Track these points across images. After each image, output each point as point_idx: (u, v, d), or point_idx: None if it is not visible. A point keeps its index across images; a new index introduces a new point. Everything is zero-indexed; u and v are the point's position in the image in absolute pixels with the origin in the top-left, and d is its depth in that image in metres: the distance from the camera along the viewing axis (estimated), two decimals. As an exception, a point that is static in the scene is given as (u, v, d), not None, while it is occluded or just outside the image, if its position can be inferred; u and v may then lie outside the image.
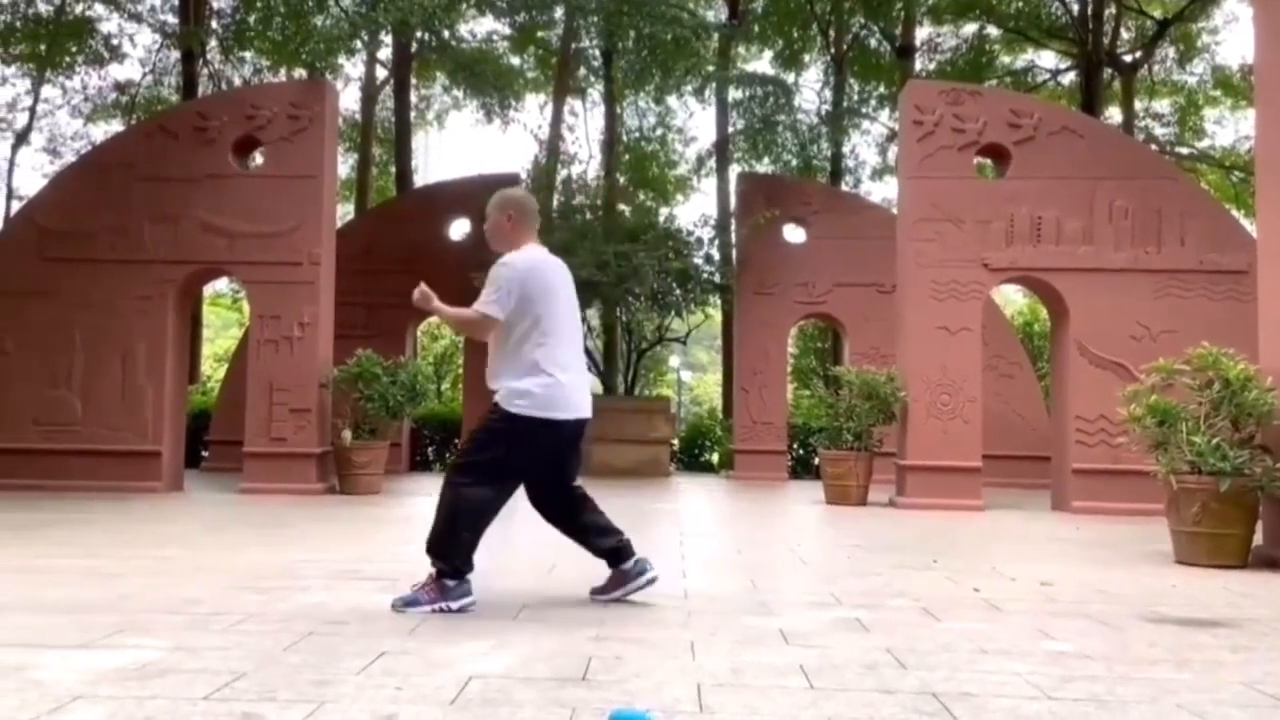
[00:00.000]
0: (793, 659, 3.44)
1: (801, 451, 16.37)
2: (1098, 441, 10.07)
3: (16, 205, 21.79)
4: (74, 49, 21.68)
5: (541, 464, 4.40)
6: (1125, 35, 23.05)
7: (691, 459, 18.24)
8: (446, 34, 18.33)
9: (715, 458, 18.10)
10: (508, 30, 22.29)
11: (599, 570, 4.60)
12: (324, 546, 6.44)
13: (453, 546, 4.24)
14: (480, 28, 23.01)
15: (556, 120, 20.81)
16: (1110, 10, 21.61)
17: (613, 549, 4.51)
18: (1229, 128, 25.19)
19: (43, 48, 21.26)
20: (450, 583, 4.21)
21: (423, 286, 4.44)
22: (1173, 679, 3.29)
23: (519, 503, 4.43)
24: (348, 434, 10.76)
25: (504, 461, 4.28)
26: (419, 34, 18.20)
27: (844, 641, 3.75)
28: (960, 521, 9.01)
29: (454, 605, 4.16)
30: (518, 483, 4.39)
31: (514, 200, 4.61)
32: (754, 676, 3.19)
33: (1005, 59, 24.52)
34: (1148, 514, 8.55)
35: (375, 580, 5.00)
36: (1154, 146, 21.57)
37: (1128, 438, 7.20)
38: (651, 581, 4.50)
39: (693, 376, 42.85)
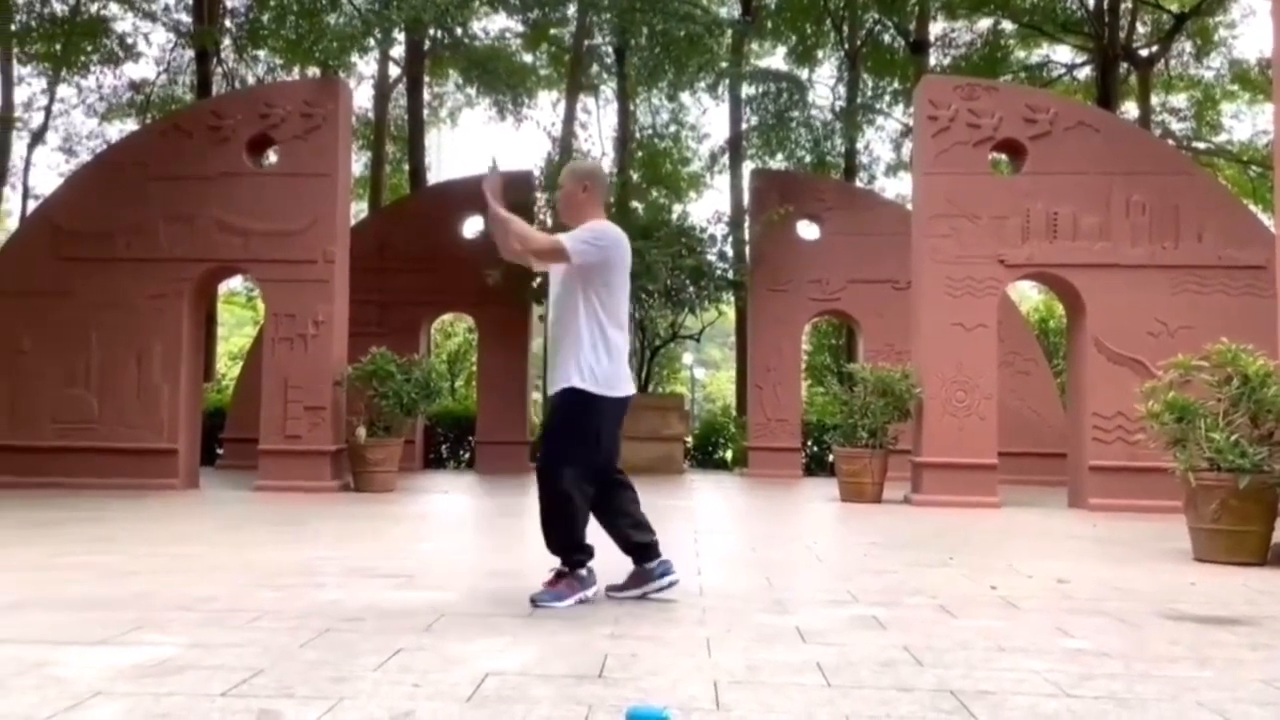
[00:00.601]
0: (809, 656, 3.42)
1: (816, 449, 16.33)
2: (1115, 438, 10.02)
3: (33, 204, 21.93)
4: (89, 48, 21.76)
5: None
6: (1141, 29, 22.89)
7: (705, 456, 18.22)
8: (459, 31, 18.37)
9: (729, 455, 18.08)
10: (520, 27, 22.28)
11: (615, 567, 4.59)
12: (339, 544, 6.46)
13: (574, 546, 4.36)
14: (493, 25, 23.03)
15: (569, 117, 20.81)
16: (1126, 4, 21.48)
17: (642, 545, 4.52)
18: (1246, 122, 25.04)
19: (58, 47, 21.35)
20: (584, 572, 4.35)
21: (497, 176, 4.45)
22: (1193, 677, 3.26)
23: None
24: (362, 431, 10.79)
25: (591, 445, 4.35)
26: (432, 31, 18.22)
27: (861, 639, 3.73)
28: (976, 519, 8.98)
29: (590, 594, 4.33)
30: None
31: (590, 171, 4.67)
32: (770, 674, 3.18)
33: (1020, 54, 24.39)
34: (1166, 511, 8.50)
35: (391, 577, 5.00)
36: (1171, 141, 21.44)
37: (1146, 434, 7.16)
38: (673, 584, 4.51)
39: (706, 374, 42.82)
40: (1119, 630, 4.01)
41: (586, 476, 4.35)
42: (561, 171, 4.67)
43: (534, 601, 4.24)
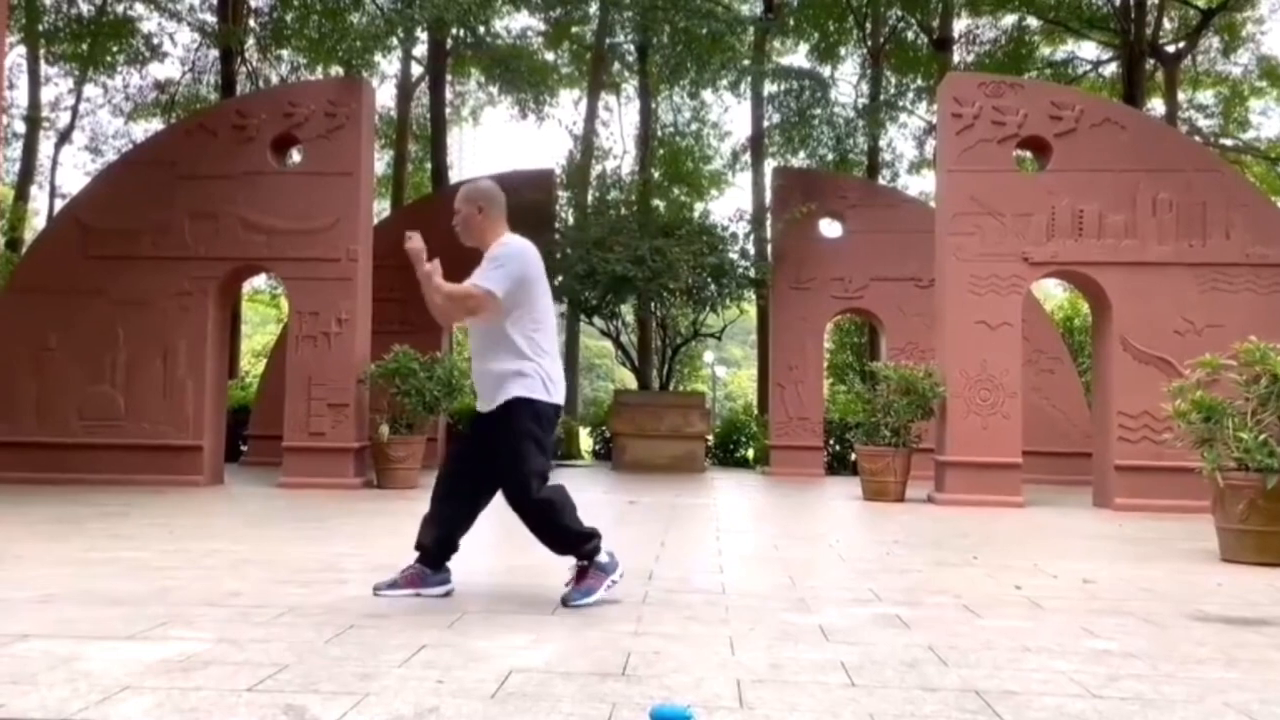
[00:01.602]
0: (833, 655, 3.42)
1: (838, 447, 16.27)
2: (1140, 438, 9.93)
3: (60, 203, 22.14)
4: (115, 48, 21.96)
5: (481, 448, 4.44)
6: (1168, 25, 22.69)
7: (726, 454, 18.21)
8: (481, 30, 18.40)
9: (750, 453, 18.05)
10: (542, 26, 22.32)
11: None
12: (363, 540, 6.49)
13: (578, 538, 4.33)
14: (515, 24, 23.08)
15: (591, 116, 20.86)
16: (1152, 0, 21.28)
17: (443, 552, 4.46)
18: (1275, 119, 24.93)
19: (85, 47, 21.56)
20: (603, 559, 4.34)
21: (416, 237, 4.35)
22: (1220, 678, 3.24)
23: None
24: (385, 429, 10.83)
25: (544, 449, 4.36)
26: (454, 30, 18.26)
27: (884, 638, 3.72)
28: (1000, 518, 8.93)
29: (617, 577, 4.33)
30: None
31: (483, 192, 4.56)
32: (794, 672, 3.18)
33: (1045, 50, 24.21)
34: (1192, 511, 8.43)
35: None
36: (1198, 138, 21.25)
37: (1173, 434, 7.10)
38: (448, 594, 4.41)
39: (727, 372, 42.78)
40: (1145, 631, 3.98)
41: (546, 477, 4.34)
42: (458, 194, 4.55)
43: (565, 602, 4.21)
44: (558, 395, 4.37)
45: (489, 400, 4.36)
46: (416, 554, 4.48)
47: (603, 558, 4.35)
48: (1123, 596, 4.80)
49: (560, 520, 4.32)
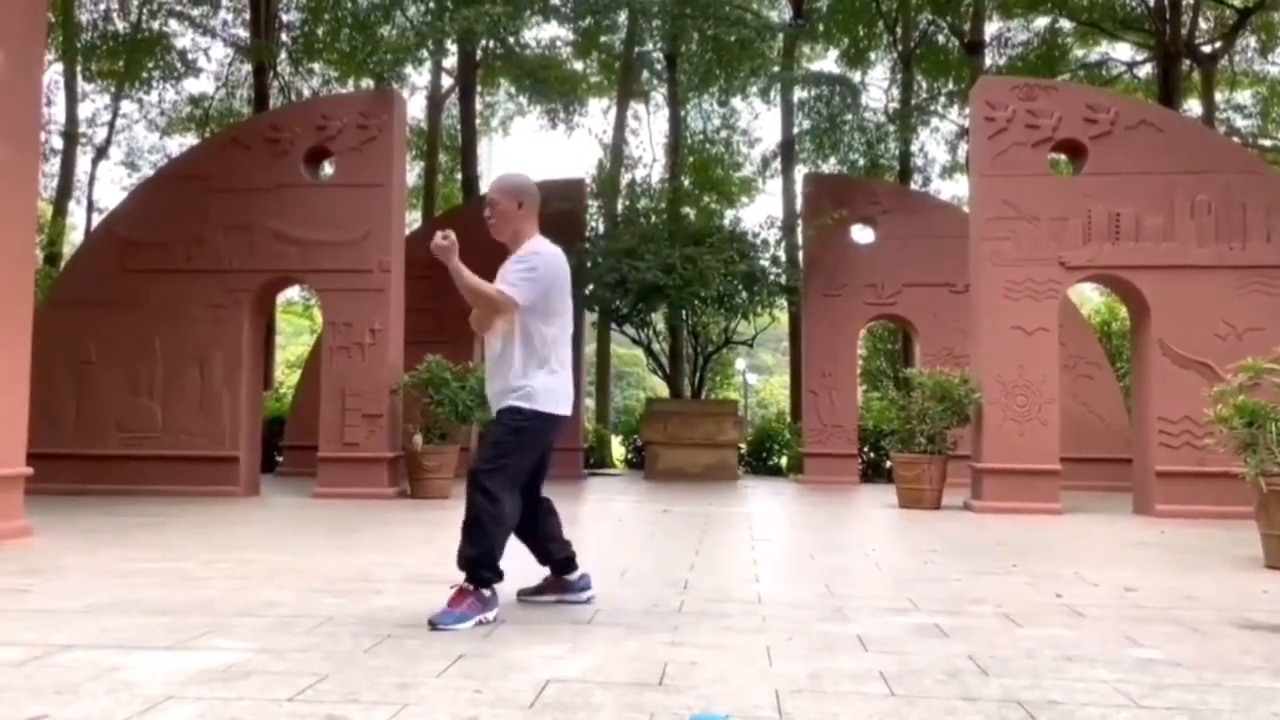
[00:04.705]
0: (872, 665, 3.39)
1: (873, 455, 16.18)
2: (1181, 443, 9.79)
3: (97, 218, 22.46)
4: (150, 65, 22.28)
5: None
6: (1204, 25, 22.42)
7: (759, 462, 18.14)
8: (511, 41, 18.50)
9: (783, 461, 17.97)
10: (571, 36, 22.39)
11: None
12: (399, 550, 6.52)
13: (482, 556, 4.10)
14: (544, 34, 23.19)
15: (620, 124, 20.90)
16: (1188, 0, 21.05)
17: (565, 559, 4.53)
18: (1314, 119, 24.42)
19: (121, 64, 21.89)
20: (488, 592, 4.10)
21: (449, 234, 4.28)
22: (1267, 687, 3.18)
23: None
24: (418, 439, 10.88)
25: (527, 462, 4.27)
26: (484, 42, 18.36)
27: (924, 648, 3.68)
28: (1038, 525, 8.83)
29: (490, 616, 4.05)
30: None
31: (522, 186, 4.51)
32: (833, 683, 3.15)
33: (1079, 52, 24.00)
34: (1235, 517, 8.30)
35: (450, 583, 5.02)
36: (1236, 139, 20.96)
37: (1214, 439, 7.00)
38: (588, 601, 4.48)
39: (758, 379, 42.67)
40: (1190, 639, 3.92)
41: (515, 487, 4.21)
42: (491, 185, 4.50)
43: (433, 624, 3.90)
44: (561, 408, 4.28)
45: (494, 407, 4.34)
46: (552, 570, 4.56)
47: (488, 592, 4.10)
48: (1166, 604, 4.73)
49: (493, 530, 4.10)
